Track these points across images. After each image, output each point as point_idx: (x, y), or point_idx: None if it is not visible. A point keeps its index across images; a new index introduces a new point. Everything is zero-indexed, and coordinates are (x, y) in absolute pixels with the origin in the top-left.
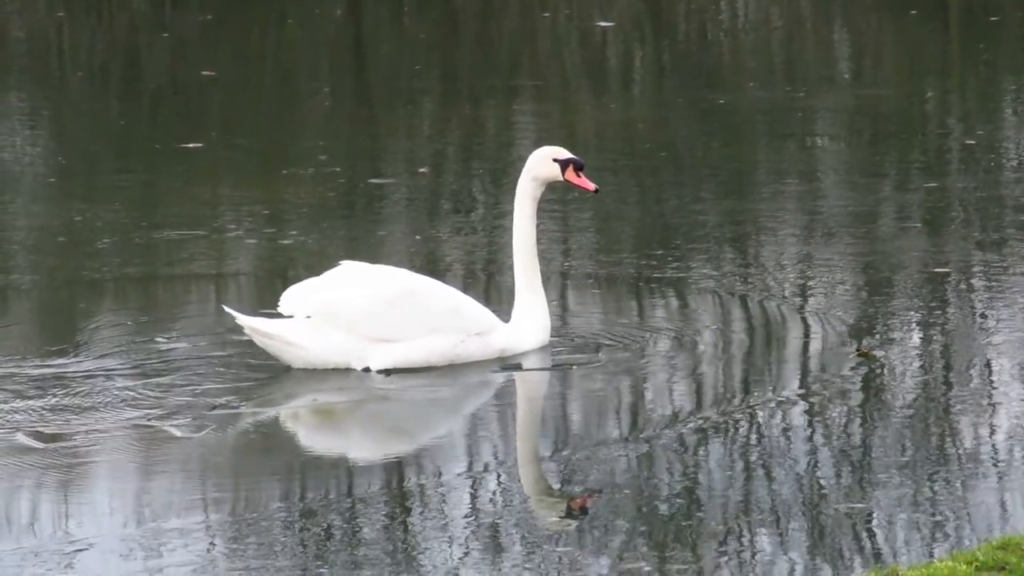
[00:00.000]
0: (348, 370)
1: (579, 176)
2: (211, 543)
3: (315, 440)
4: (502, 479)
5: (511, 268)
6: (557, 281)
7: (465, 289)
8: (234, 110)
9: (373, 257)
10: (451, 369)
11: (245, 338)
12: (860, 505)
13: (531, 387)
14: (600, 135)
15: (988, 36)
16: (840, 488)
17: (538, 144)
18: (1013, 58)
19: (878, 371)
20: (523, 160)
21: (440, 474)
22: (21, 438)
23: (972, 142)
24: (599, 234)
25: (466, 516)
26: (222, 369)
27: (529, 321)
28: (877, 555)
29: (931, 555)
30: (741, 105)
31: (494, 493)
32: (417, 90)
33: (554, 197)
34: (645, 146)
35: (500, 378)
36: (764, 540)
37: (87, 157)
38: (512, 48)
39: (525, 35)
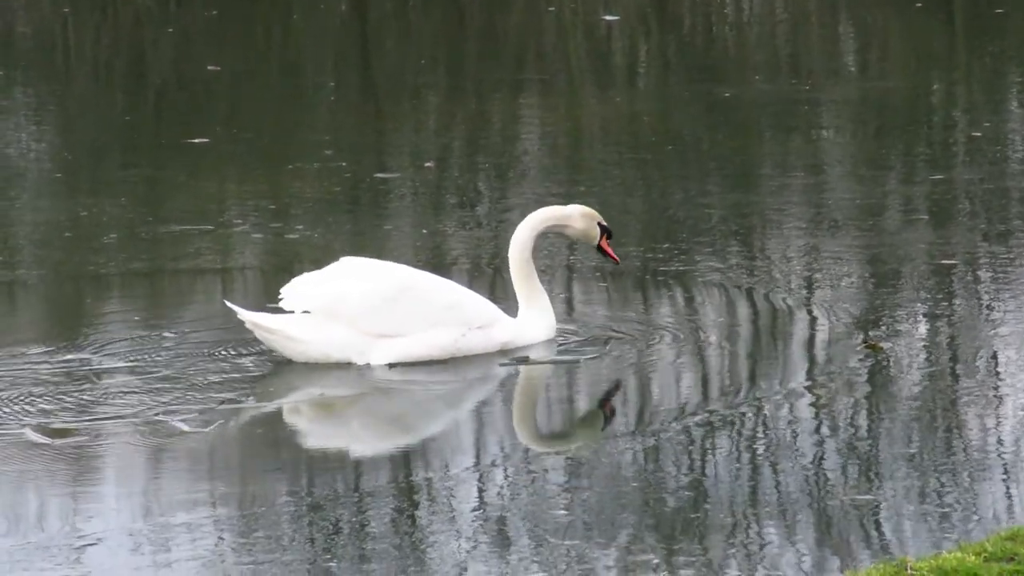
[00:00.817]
0: (349, 365)
1: (608, 245)
2: (219, 538)
3: (322, 434)
4: (508, 472)
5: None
6: (563, 275)
7: (470, 283)
8: (239, 105)
9: (379, 252)
10: (454, 363)
11: (250, 333)
12: (868, 497)
13: (536, 379)
14: (605, 129)
15: (994, 28)
16: (847, 480)
17: (544, 139)
18: (1019, 50)
19: (885, 363)
20: (529, 154)
21: (447, 467)
22: (28, 433)
23: (978, 134)
24: None
25: (473, 509)
26: (228, 364)
27: (535, 315)
28: (885, 547)
29: (939, 546)
30: (747, 98)
31: (500, 486)
32: (422, 84)
33: (560, 191)
34: (651, 139)
35: (505, 371)
36: (771, 532)
37: (93, 152)
38: (518, 42)
39: (531, 29)
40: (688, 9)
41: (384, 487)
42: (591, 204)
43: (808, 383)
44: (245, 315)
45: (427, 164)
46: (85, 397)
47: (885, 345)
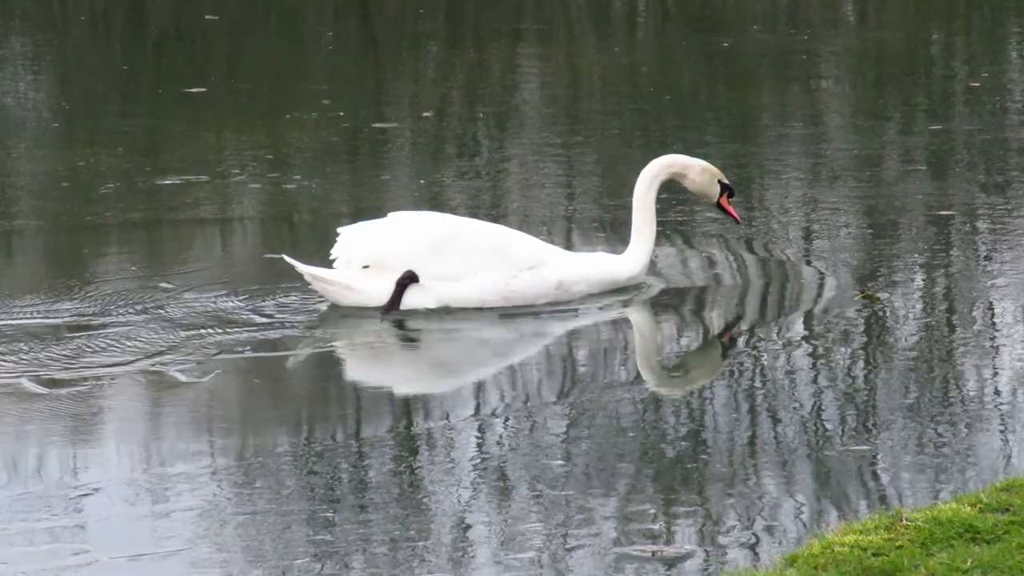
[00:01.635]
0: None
1: (729, 204)
2: (217, 487)
3: (321, 384)
4: (509, 423)
5: (516, 211)
6: (562, 225)
7: None
8: (238, 55)
9: (377, 202)
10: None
11: (249, 284)
12: (864, 447)
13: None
14: (604, 79)
15: None
16: (844, 431)
17: (543, 89)
18: (1018, 0)
19: (882, 314)
20: (528, 104)
21: (447, 417)
22: (25, 384)
23: (977, 84)
24: (604, 178)
25: (472, 459)
26: (226, 314)
27: (631, 253)
28: (882, 497)
29: (935, 497)
30: (745, 48)
31: (500, 437)
32: (421, 33)
33: (558, 141)
34: (649, 90)
35: (514, 323)
36: (769, 483)
37: (91, 102)
38: None
39: None
40: None
41: (384, 436)
42: (588, 154)
43: (805, 333)
44: (304, 269)
45: (425, 114)
46: (83, 347)
47: (882, 295)
